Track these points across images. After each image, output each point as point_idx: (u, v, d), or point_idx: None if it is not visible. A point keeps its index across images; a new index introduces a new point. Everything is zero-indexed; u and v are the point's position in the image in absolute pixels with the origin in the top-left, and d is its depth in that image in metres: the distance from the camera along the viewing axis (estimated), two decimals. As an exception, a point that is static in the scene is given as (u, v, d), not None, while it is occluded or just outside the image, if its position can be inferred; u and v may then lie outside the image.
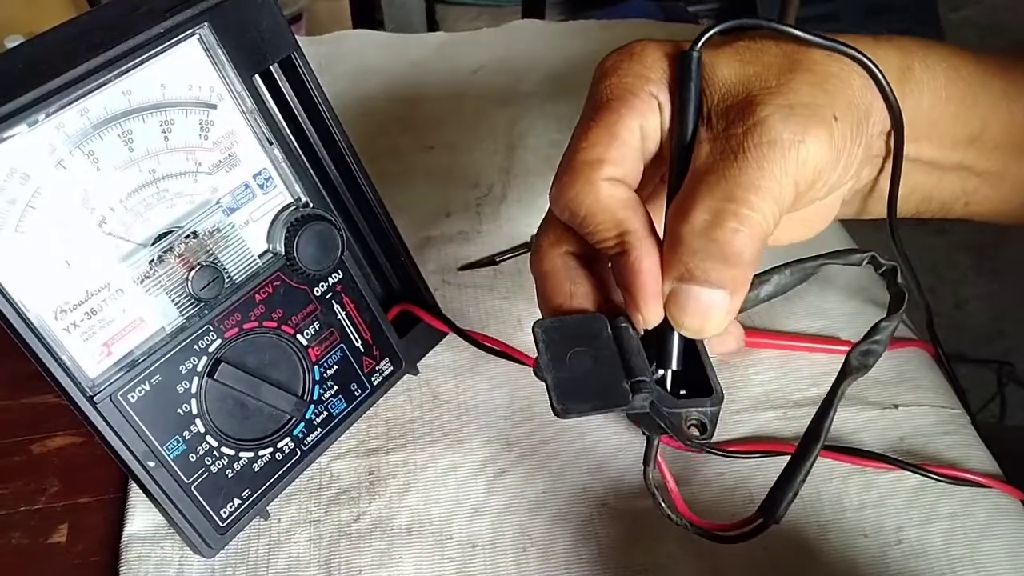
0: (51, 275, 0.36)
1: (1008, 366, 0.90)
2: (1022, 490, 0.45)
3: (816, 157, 0.31)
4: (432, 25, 1.75)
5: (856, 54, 0.33)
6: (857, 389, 0.50)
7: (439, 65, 0.77)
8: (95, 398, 0.37)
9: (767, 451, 0.46)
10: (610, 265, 0.34)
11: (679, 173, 0.33)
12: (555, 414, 0.31)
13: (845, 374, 0.36)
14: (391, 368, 0.48)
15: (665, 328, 0.33)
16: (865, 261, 0.38)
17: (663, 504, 0.35)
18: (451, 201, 0.63)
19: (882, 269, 0.38)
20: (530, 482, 0.46)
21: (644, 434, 0.35)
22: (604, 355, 0.33)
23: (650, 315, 0.32)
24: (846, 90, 0.32)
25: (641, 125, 0.33)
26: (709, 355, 0.36)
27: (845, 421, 0.48)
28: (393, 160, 0.66)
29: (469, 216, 0.61)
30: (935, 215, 0.42)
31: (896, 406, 0.49)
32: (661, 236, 0.33)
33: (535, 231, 0.60)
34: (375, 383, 0.48)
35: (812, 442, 0.34)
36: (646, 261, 0.31)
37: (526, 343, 0.51)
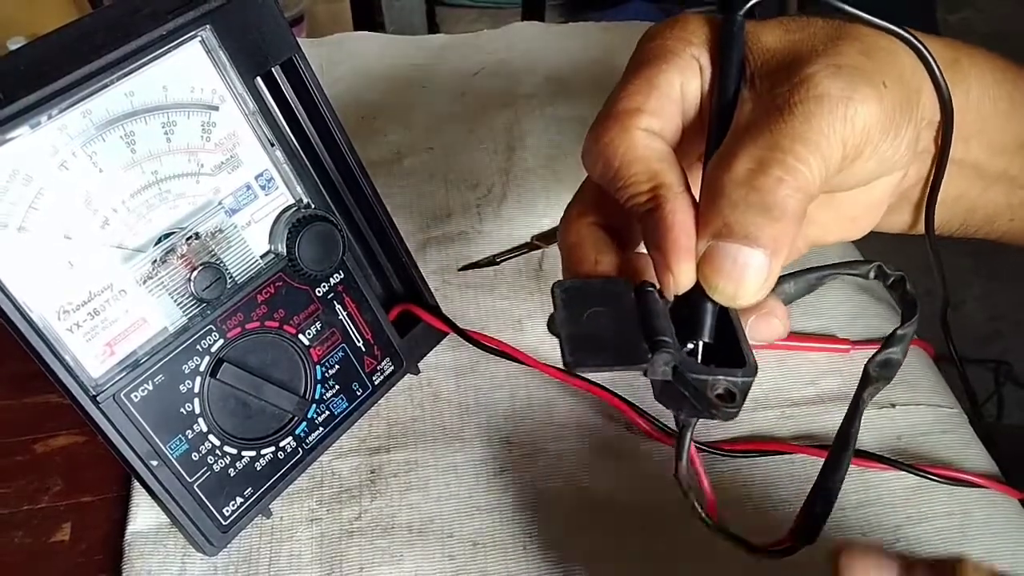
0: (54, 276, 0.36)
1: (1006, 366, 0.90)
2: (1018, 489, 0.45)
3: (865, 116, 0.29)
4: (432, 27, 1.76)
5: (906, 34, 0.32)
6: (854, 389, 0.50)
7: (439, 67, 0.77)
8: (98, 398, 0.38)
9: (765, 450, 0.46)
10: (640, 227, 0.32)
11: (719, 134, 0.31)
12: (565, 366, 0.29)
13: (865, 385, 0.35)
14: (392, 368, 0.48)
15: (697, 295, 0.31)
16: (872, 272, 0.38)
17: (696, 505, 0.33)
18: (451, 202, 0.63)
19: (890, 280, 0.37)
20: (530, 481, 0.46)
21: (674, 418, 0.33)
22: (624, 316, 0.31)
23: (682, 276, 0.29)
24: (896, 64, 0.31)
25: (682, 83, 0.32)
26: (747, 334, 0.32)
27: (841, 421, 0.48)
28: (394, 161, 0.67)
29: (469, 216, 0.62)
30: (980, 229, 0.40)
31: (894, 405, 0.49)
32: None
33: (535, 231, 0.60)
34: (376, 382, 0.48)
35: (841, 451, 0.33)
36: (679, 215, 0.29)
37: (526, 343, 0.51)
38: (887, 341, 0.36)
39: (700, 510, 0.33)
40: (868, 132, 0.30)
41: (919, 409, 0.49)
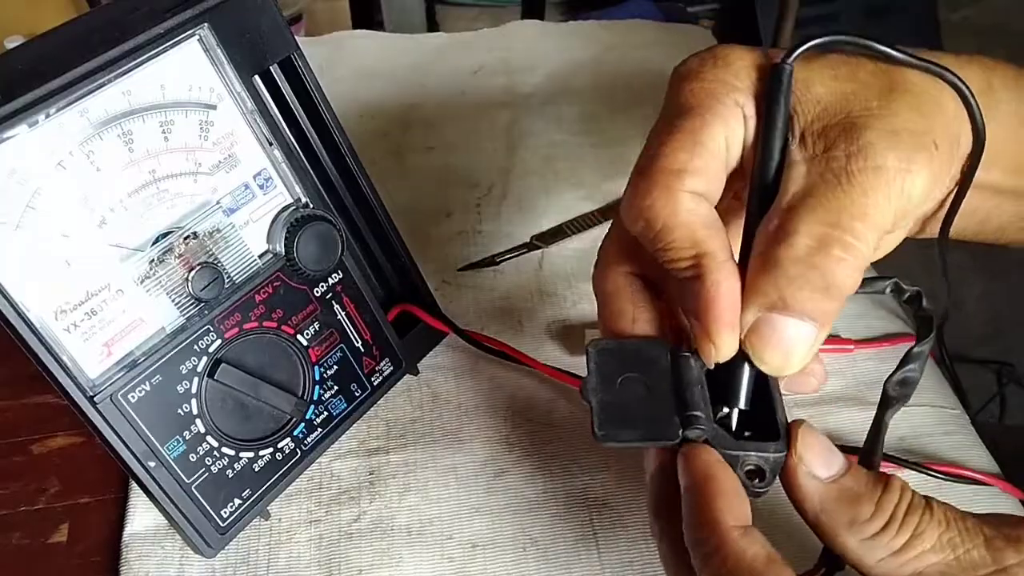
0: (51, 275, 0.36)
1: (1008, 367, 0.90)
2: (1022, 489, 0.45)
3: (920, 186, 0.29)
4: (432, 26, 1.75)
5: (955, 79, 0.31)
6: (857, 390, 0.50)
7: (439, 66, 0.77)
8: (95, 398, 0.37)
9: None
10: (679, 290, 0.31)
11: (764, 192, 0.30)
12: (594, 438, 0.29)
13: (885, 406, 0.35)
14: (391, 368, 0.48)
15: (736, 361, 0.30)
16: (888, 288, 0.38)
17: None
18: (451, 201, 0.63)
19: (906, 296, 0.37)
20: (530, 482, 0.46)
21: None
22: (658, 384, 0.31)
23: (724, 347, 0.29)
24: (943, 115, 0.31)
25: (726, 136, 0.31)
26: (782, 394, 0.32)
27: (844, 421, 0.48)
28: (393, 160, 0.66)
29: (469, 216, 0.61)
30: (988, 237, 0.40)
31: (896, 406, 0.49)
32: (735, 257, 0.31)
33: (535, 231, 0.60)
34: (375, 383, 0.48)
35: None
36: (724, 286, 0.29)
37: (526, 343, 0.51)
38: (904, 359, 0.36)
39: None
40: (920, 200, 0.30)
41: (921, 410, 0.48)
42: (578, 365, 0.49)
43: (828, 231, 0.28)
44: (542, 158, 0.66)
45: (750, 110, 0.31)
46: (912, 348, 0.35)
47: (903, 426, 0.48)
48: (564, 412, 0.49)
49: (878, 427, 0.34)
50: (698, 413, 0.30)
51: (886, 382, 0.35)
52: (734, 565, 0.27)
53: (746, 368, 0.30)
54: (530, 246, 0.59)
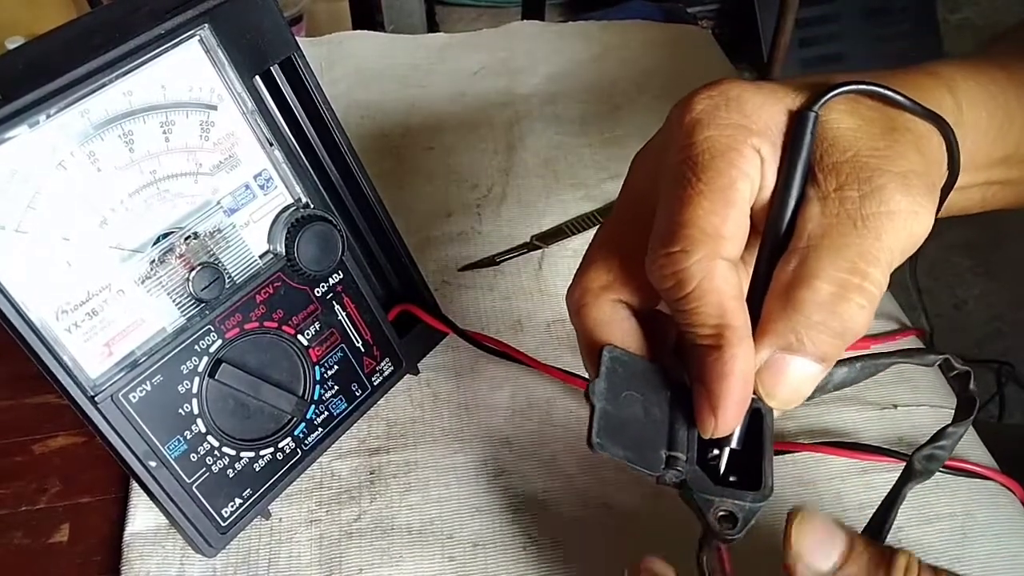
0: (52, 276, 0.36)
1: (1007, 366, 0.90)
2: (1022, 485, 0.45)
3: (923, 228, 0.30)
4: (432, 26, 1.75)
5: (945, 126, 0.32)
6: (856, 390, 0.50)
7: (439, 66, 0.77)
8: (96, 398, 0.38)
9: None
10: (690, 354, 0.31)
11: (780, 233, 0.30)
12: (587, 444, 0.29)
13: (908, 478, 0.35)
14: (391, 368, 0.48)
15: None
16: (938, 363, 0.38)
17: None
18: (451, 202, 0.63)
19: (954, 373, 0.37)
20: (530, 482, 0.46)
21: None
22: (655, 412, 0.31)
23: (726, 422, 0.30)
24: (933, 151, 0.32)
25: (750, 187, 0.30)
26: (773, 444, 0.32)
27: (844, 421, 0.48)
28: (393, 161, 0.67)
29: (469, 217, 0.62)
30: (949, 216, 0.42)
31: (895, 406, 0.49)
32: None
33: (535, 231, 0.60)
34: (375, 383, 0.48)
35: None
36: (740, 362, 0.29)
37: (526, 343, 0.51)
38: (936, 436, 0.35)
39: None
40: (921, 239, 0.30)
41: (921, 410, 0.49)
42: (578, 365, 0.49)
43: (847, 278, 0.28)
44: (542, 158, 0.66)
45: (766, 152, 0.31)
46: (947, 427, 0.35)
47: (904, 426, 0.48)
48: (564, 412, 0.49)
49: (894, 498, 0.34)
50: (680, 455, 0.30)
51: (912, 455, 0.35)
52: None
53: (744, 413, 0.31)
54: (530, 246, 0.59)
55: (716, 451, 0.31)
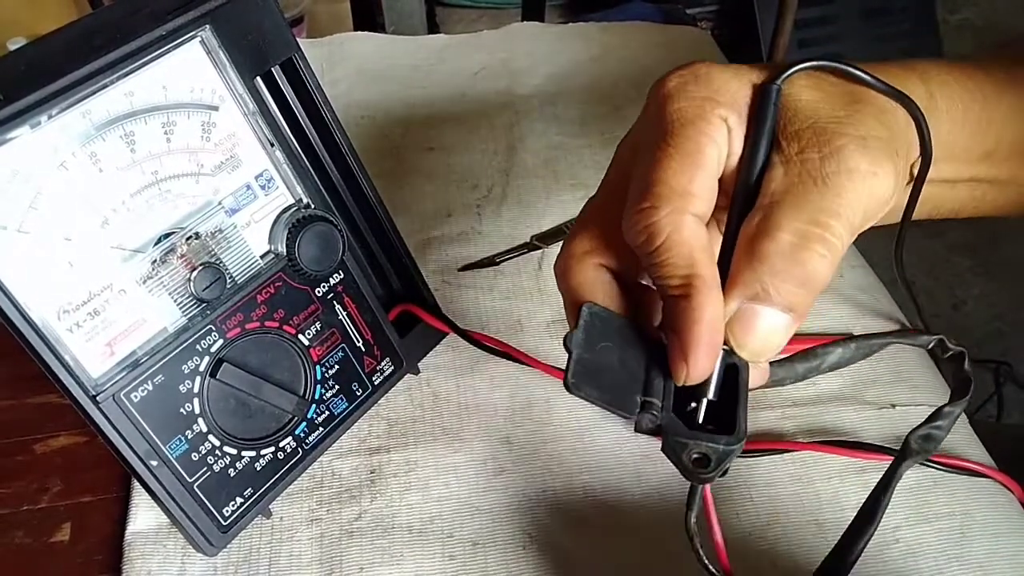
0: (54, 276, 0.36)
1: (1006, 366, 0.90)
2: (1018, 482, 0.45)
3: (885, 189, 0.31)
4: (432, 27, 1.75)
5: (910, 103, 0.33)
6: (854, 389, 0.50)
7: (440, 67, 0.77)
8: (98, 398, 0.38)
9: (764, 449, 0.46)
10: (663, 305, 0.32)
11: (748, 195, 0.32)
12: (564, 386, 0.31)
13: (904, 456, 0.35)
14: (392, 368, 0.48)
15: None
16: (932, 344, 0.38)
17: (701, 552, 0.33)
18: (451, 202, 0.63)
19: (948, 354, 0.37)
20: (530, 481, 0.46)
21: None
22: (631, 363, 0.32)
23: (696, 368, 0.31)
24: (898, 125, 0.33)
25: (717, 154, 0.32)
26: (748, 396, 0.33)
27: (843, 420, 0.48)
28: (394, 161, 0.67)
29: (469, 217, 0.62)
30: (943, 217, 0.42)
31: (893, 406, 0.49)
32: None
33: (535, 231, 0.60)
34: (376, 383, 0.48)
35: (866, 524, 0.33)
36: (709, 310, 0.30)
37: (526, 343, 0.52)
38: (933, 415, 0.36)
39: (707, 561, 0.33)
40: (884, 202, 0.32)
41: (919, 409, 0.49)
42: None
43: (809, 228, 0.30)
44: (542, 159, 0.66)
45: (733, 121, 0.33)
46: (943, 407, 0.36)
47: (902, 425, 0.48)
48: (564, 411, 0.49)
49: (890, 477, 0.34)
50: (655, 400, 0.31)
51: (909, 434, 0.35)
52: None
53: (718, 361, 0.32)
54: (530, 246, 0.59)
55: (694, 404, 0.32)
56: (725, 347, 0.32)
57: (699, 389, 0.32)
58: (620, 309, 0.34)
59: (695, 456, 0.31)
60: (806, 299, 0.31)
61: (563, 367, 0.48)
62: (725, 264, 0.32)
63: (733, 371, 0.32)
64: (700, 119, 0.32)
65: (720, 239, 0.33)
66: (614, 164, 0.36)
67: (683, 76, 0.33)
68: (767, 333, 0.31)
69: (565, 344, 0.32)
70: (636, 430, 0.32)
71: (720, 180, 0.33)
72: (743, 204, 0.32)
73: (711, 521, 0.33)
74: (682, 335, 0.31)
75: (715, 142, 0.32)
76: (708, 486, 0.32)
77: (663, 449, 0.32)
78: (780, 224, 0.30)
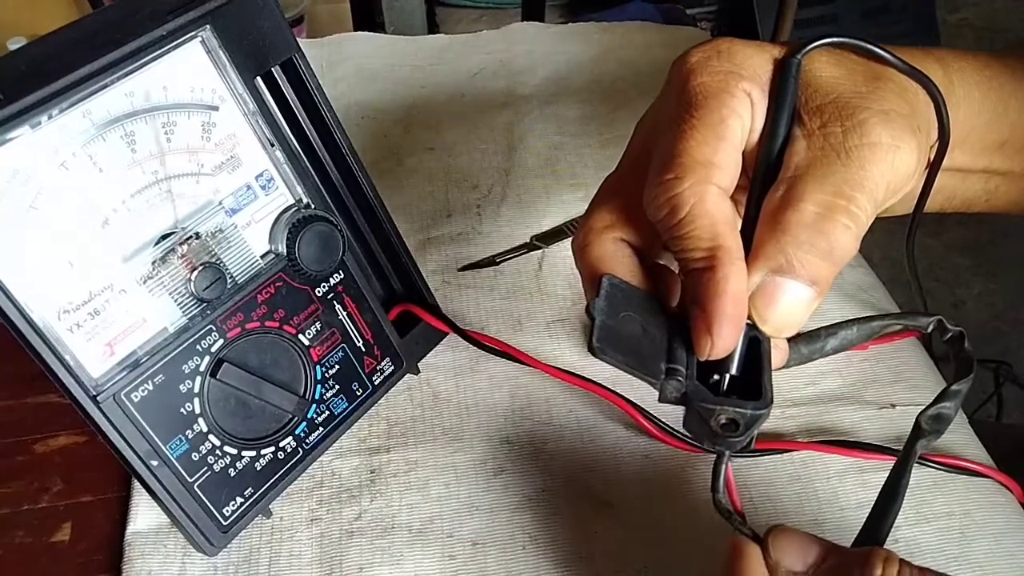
0: (54, 276, 0.36)
1: (1006, 366, 0.90)
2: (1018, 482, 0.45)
3: (908, 164, 0.31)
4: (432, 27, 1.76)
5: (929, 83, 0.33)
6: (854, 389, 0.50)
7: (440, 67, 0.77)
8: (98, 398, 0.38)
9: (764, 449, 0.46)
10: (686, 280, 0.32)
11: (770, 168, 0.32)
12: (589, 349, 0.30)
13: (916, 437, 0.35)
14: (392, 368, 0.48)
15: None
16: (932, 326, 0.38)
17: (742, 521, 0.33)
18: (451, 202, 0.63)
19: (948, 335, 0.38)
20: (530, 480, 0.46)
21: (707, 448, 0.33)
22: (654, 333, 0.32)
23: (721, 341, 0.30)
24: (919, 104, 0.33)
25: (740, 127, 0.32)
26: (771, 364, 0.33)
27: (843, 420, 0.48)
28: (394, 161, 0.67)
29: (469, 217, 0.62)
30: (956, 209, 0.43)
31: (893, 405, 0.49)
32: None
33: (535, 231, 0.60)
34: (376, 382, 0.48)
35: (891, 502, 0.33)
36: (733, 282, 0.30)
37: (526, 343, 0.52)
38: (940, 396, 0.36)
39: (748, 530, 0.33)
40: (907, 177, 0.32)
41: (918, 409, 0.49)
42: (578, 365, 0.50)
43: (833, 200, 0.30)
44: (542, 159, 0.66)
45: (756, 96, 0.33)
46: (949, 386, 0.36)
47: (902, 425, 0.48)
48: (564, 411, 0.49)
49: (906, 459, 0.34)
50: (680, 368, 0.31)
51: (920, 415, 0.36)
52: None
53: (741, 335, 0.31)
54: (530, 246, 0.59)
55: (716, 377, 0.32)
56: (748, 322, 0.31)
57: (722, 364, 0.32)
58: (640, 284, 0.33)
59: (723, 421, 0.31)
60: (829, 272, 0.30)
61: (563, 367, 0.48)
62: (747, 238, 0.31)
63: (755, 345, 0.32)
64: (724, 92, 0.32)
65: (741, 219, 0.33)
66: (634, 139, 0.36)
67: (706, 51, 0.33)
68: (790, 306, 0.31)
69: (588, 311, 0.32)
70: (660, 399, 0.31)
71: (743, 155, 0.33)
72: (764, 178, 0.32)
73: (734, 501, 0.33)
74: (706, 308, 0.30)
75: (739, 115, 0.32)
76: (730, 467, 0.32)
77: (685, 423, 0.32)
78: (804, 196, 0.30)
